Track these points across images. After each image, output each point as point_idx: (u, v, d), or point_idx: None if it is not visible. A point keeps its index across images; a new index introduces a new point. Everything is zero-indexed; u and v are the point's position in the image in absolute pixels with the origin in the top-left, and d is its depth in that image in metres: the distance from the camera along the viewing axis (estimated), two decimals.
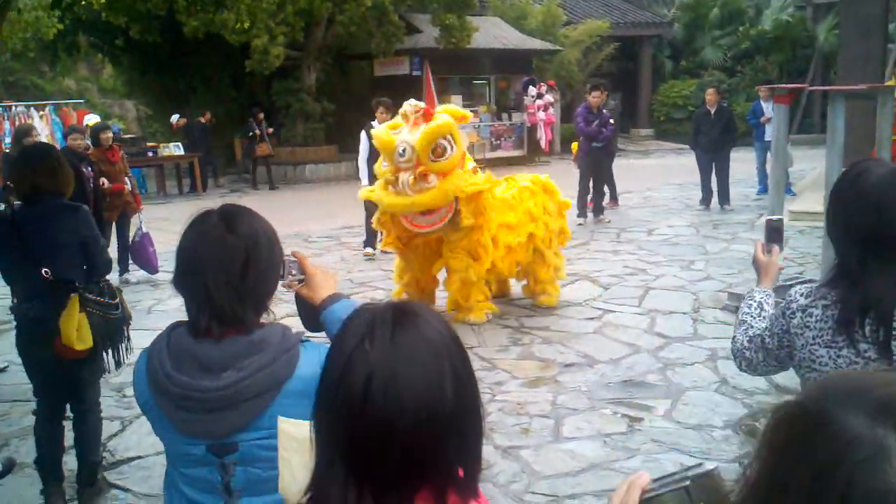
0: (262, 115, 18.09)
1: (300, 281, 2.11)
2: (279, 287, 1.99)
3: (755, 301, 2.34)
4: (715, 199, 13.06)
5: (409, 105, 6.77)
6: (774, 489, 0.87)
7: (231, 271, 1.79)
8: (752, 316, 2.32)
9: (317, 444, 1.20)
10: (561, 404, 5.37)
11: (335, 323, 2.03)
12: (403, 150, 6.53)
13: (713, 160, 12.85)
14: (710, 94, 13.05)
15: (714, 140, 12.77)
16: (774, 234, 2.35)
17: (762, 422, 1.10)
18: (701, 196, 13.22)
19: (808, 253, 9.33)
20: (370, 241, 10.33)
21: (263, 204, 15.59)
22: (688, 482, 1.09)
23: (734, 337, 2.33)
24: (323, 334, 2.09)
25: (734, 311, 7.26)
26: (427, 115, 6.62)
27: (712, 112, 12.84)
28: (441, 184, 6.58)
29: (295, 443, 1.77)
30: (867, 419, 0.82)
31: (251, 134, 17.86)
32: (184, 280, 1.84)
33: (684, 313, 7.36)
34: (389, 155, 6.70)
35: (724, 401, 5.39)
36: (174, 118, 18.43)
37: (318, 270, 2.14)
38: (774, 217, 2.38)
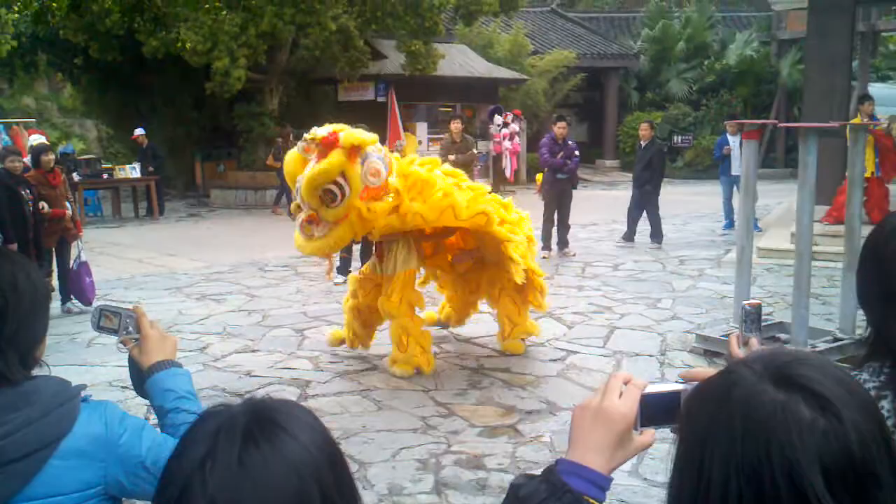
0: (290, 131, 16.46)
1: (136, 339, 1.87)
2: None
3: None
4: (645, 236, 12.65)
5: (306, 138, 6.05)
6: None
7: None
8: None
9: None
10: (520, 457, 5.03)
11: (159, 394, 1.80)
12: (297, 190, 6.00)
13: (639, 195, 12.58)
14: (643, 129, 12.60)
15: (636, 175, 12.60)
16: (753, 321, 1.91)
17: None
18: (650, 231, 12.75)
19: (776, 292, 9.11)
20: (343, 268, 9.73)
21: (222, 228, 15.21)
22: (682, 385, 1.17)
23: None
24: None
25: (702, 354, 7.01)
26: (326, 145, 5.83)
27: (643, 146, 12.63)
28: (330, 232, 5.94)
29: None
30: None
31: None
32: None
33: (650, 356, 7.07)
34: (292, 185, 6.19)
35: None
36: (138, 131, 17.37)
37: (157, 332, 1.88)
38: (751, 301, 1.93)
